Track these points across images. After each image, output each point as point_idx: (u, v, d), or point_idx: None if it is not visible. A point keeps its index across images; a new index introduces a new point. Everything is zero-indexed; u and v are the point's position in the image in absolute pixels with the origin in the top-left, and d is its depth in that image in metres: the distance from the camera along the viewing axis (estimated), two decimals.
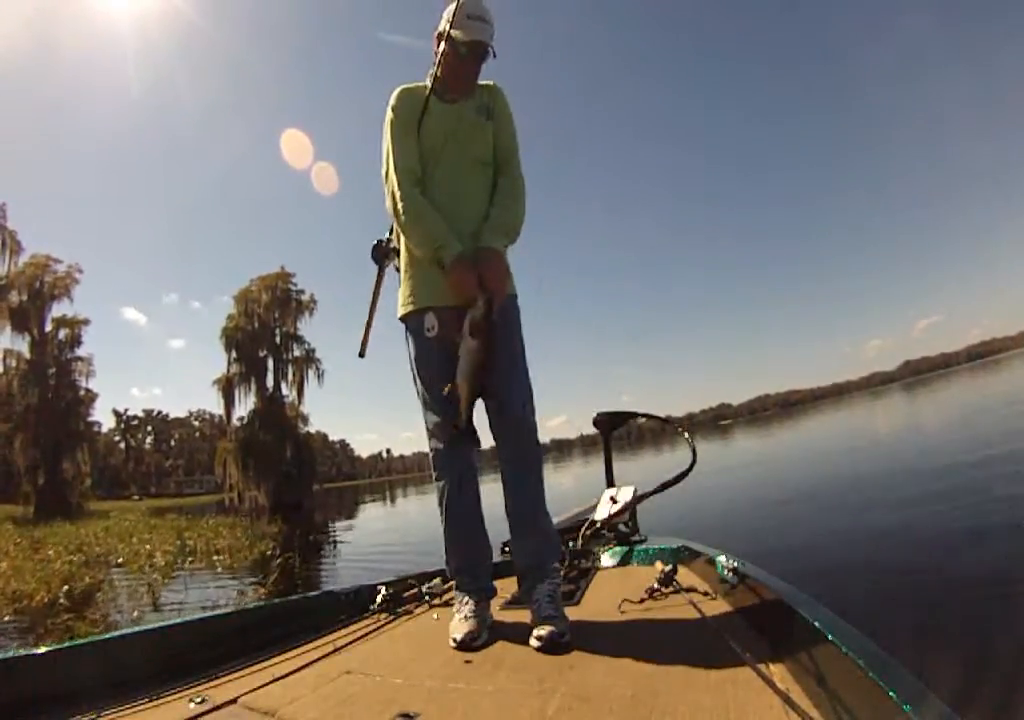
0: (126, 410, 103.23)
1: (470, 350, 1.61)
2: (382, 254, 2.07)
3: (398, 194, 1.75)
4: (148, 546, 10.84)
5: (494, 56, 1.80)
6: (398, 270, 1.93)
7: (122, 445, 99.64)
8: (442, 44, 1.80)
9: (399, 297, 1.87)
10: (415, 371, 1.85)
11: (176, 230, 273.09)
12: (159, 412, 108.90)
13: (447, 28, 1.77)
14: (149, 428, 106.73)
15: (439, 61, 1.81)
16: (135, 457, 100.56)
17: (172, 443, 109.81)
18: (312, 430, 35.00)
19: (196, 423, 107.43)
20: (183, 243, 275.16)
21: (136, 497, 72.35)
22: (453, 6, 1.75)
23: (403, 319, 1.86)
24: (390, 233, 2.02)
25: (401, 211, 1.73)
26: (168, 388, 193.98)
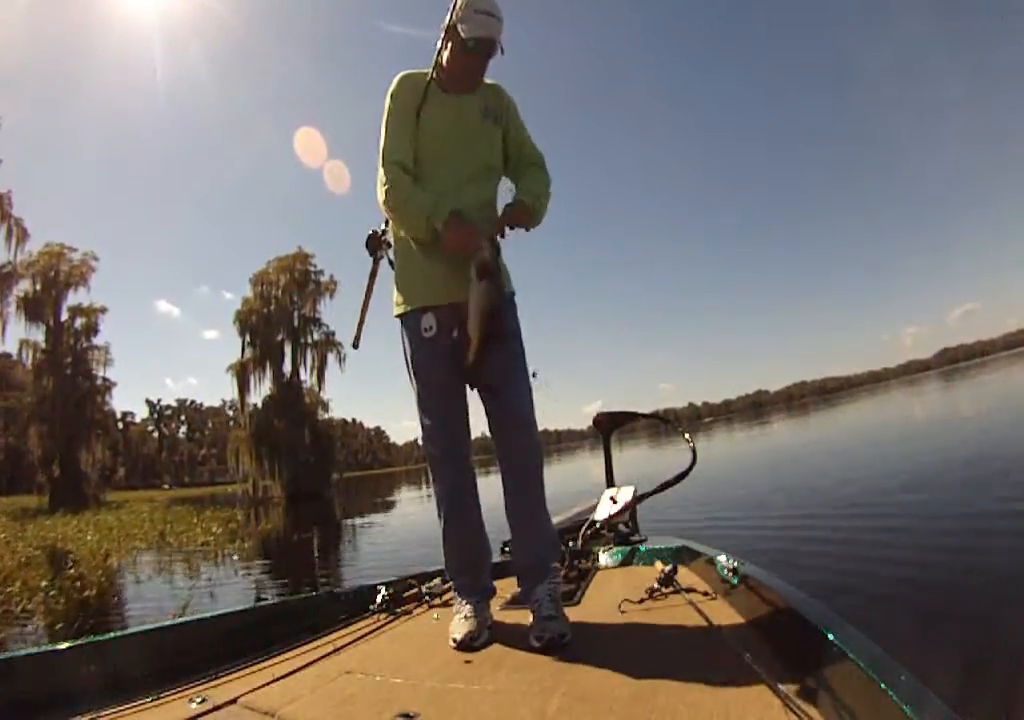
0: (159, 400, 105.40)
1: (480, 292, 1.61)
2: (376, 244, 2.03)
3: (386, 185, 1.73)
4: (106, 545, 9.86)
5: (502, 52, 1.77)
6: (391, 263, 1.93)
7: (155, 434, 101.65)
8: (448, 38, 1.78)
9: (394, 296, 1.86)
10: (411, 371, 1.82)
11: (204, 223, 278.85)
12: (192, 401, 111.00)
13: (454, 21, 1.74)
14: (183, 418, 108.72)
15: (443, 53, 1.79)
16: (168, 446, 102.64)
17: (206, 432, 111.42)
18: (333, 416, 33.70)
19: (230, 412, 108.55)
20: (212, 235, 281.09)
21: (167, 486, 73.44)
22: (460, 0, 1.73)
23: (399, 318, 1.84)
24: (385, 224, 2.00)
25: (390, 199, 1.72)
26: (203, 378, 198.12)
